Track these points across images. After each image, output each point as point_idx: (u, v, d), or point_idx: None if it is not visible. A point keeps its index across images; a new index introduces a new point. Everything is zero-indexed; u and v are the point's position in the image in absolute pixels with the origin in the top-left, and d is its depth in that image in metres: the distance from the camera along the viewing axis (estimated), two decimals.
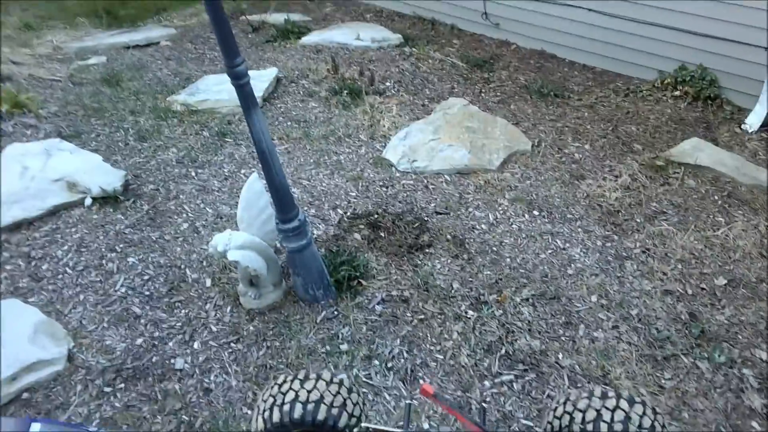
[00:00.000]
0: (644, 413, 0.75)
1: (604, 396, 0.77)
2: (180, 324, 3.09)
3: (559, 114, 5.04)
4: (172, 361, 2.90)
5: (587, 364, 2.83)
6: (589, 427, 0.74)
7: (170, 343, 2.99)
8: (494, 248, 3.56)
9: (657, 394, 2.67)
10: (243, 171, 4.25)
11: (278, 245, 3.31)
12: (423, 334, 2.97)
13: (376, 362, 2.83)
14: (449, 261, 3.43)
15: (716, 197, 4.01)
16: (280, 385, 0.85)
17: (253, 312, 3.12)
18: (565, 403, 0.81)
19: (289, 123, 4.89)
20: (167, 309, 3.17)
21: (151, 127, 4.76)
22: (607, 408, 0.76)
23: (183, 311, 3.16)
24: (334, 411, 0.80)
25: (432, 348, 2.91)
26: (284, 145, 4.55)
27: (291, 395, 0.82)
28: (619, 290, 3.27)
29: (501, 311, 3.10)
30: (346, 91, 5.18)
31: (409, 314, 3.08)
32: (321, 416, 0.79)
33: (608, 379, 2.75)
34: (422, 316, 3.07)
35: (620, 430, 0.73)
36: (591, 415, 0.76)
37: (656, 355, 2.88)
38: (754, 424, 2.56)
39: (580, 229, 3.73)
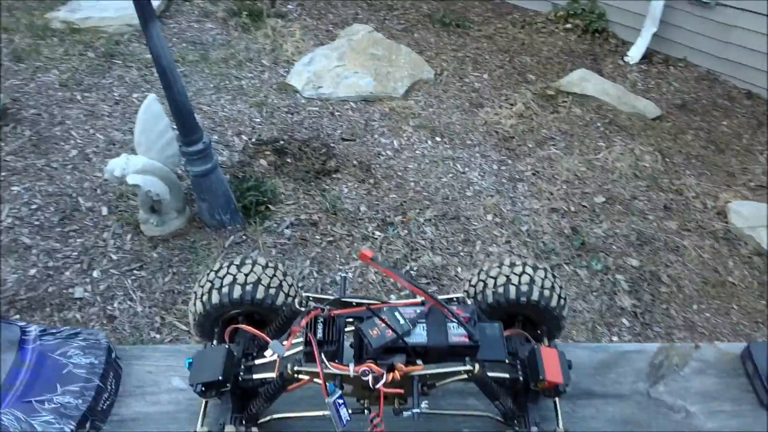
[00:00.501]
0: (546, 276, 0.87)
1: (512, 264, 0.88)
2: (76, 253, 2.95)
3: (460, 44, 5.14)
4: (71, 290, 2.79)
5: None
6: (500, 290, 0.85)
7: (67, 273, 2.86)
8: (399, 173, 3.67)
9: None
10: (136, 95, 4.00)
11: (180, 171, 3.20)
12: (332, 255, 3.06)
13: None
14: (356, 186, 3.50)
15: (599, 124, 4.33)
16: (217, 271, 0.89)
17: (156, 239, 3.04)
18: (479, 273, 0.91)
19: (184, 45, 4.62)
20: (61, 239, 3.01)
21: (28, 46, 4.31)
22: (515, 273, 0.87)
23: (78, 240, 3.02)
24: (272, 291, 0.85)
25: (341, 267, 3.01)
26: (180, 69, 4.31)
27: (229, 278, 0.86)
28: (512, 209, 3.52)
29: (406, 231, 3.24)
30: (245, 13, 4.94)
31: (318, 237, 3.14)
32: (260, 296, 0.84)
33: None
34: (331, 238, 3.14)
35: (525, 290, 0.83)
36: (501, 280, 0.86)
37: None
38: (624, 320, 2.93)
39: (478, 154, 3.92)
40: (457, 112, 4.27)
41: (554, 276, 0.88)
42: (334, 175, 3.54)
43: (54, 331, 0.89)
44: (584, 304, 2.99)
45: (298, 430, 0.82)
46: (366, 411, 0.75)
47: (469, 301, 0.79)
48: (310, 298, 0.78)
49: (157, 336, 2.64)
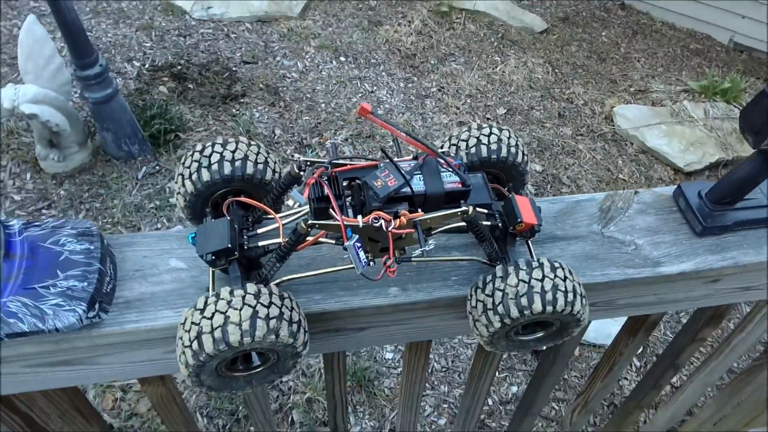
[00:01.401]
0: (510, 135, 0.97)
1: (480, 127, 0.97)
2: None
3: None
4: None
5: None
6: (473, 150, 0.93)
7: None
8: (308, 95, 3.64)
9: None
10: (12, 20, 3.59)
11: (75, 100, 2.98)
12: None
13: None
14: (267, 109, 3.44)
15: (492, 39, 4.50)
16: (201, 151, 0.90)
17: (59, 176, 2.84)
18: (450, 139, 1.00)
19: None
20: None
21: None
22: (484, 135, 0.96)
23: None
24: (260, 166, 0.88)
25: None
26: None
27: (216, 156, 0.87)
28: (423, 125, 3.63)
29: (324, 152, 3.26)
30: None
31: None
32: (249, 171, 0.87)
33: None
34: None
35: (495, 148, 0.93)
36: (473, 142, 0.95)
37: None
38: None
39: (384, 73, 3.96)
40: (357, 31, 4.25)
41: (516, 136, 0.98)
42: (241, 100, 3.45)
43: (37, 223, 0.87)
44: None
45: (302, 294, 0.88)
46: (371, 263, 0.82)
47: (453, 154, 0.87)
48: (308, 162, 0.82)
49: None
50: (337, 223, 0.76)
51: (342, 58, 3.99)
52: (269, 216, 0.92)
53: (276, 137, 3.27)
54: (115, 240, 0.92)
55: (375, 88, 3.82)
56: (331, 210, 0.78)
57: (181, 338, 0.75)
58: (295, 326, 0.77)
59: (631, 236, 1.01)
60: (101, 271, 0.84)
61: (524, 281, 0.82)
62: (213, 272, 0.86)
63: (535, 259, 0.86)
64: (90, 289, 0.81)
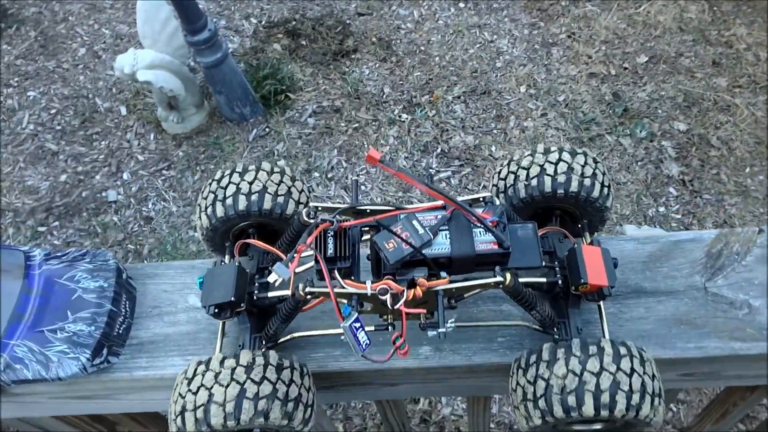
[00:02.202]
0: (586, 163, 0.76)
1: (546, 151, 0.76)
2: (103, 156, 2.93)
3: None
4: (104, 194, 2.80)
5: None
6: (534, 182, 0.74)
7: (97, 177, 2.86)
8: (422, 47, 3.44)
9: None
10: None
11: (192, 63, 3.06)
12: (359, 143, 2.95)
13: (316, 174, 2.83)
14: (377, 65, 3.31)
15: None
16: (219, 181, 0.80)
17: (179, 137, 2.97)
18: (509, 164, 0.80)
19: None
20: (85, 142, 2.98)
21: None
22: (550, 162, 0.76)
23: (103, 143, 2.98)
24: (280, 199, 0.77)
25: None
26: None
27: (232, 188, 0.77)
28: (547, 78, 3.29)
29: (434, 111, 3.08)
30: None
31: (343, 124, 3.02)
32: (267, 205, 0.76)
33: None
34: (356, 125, 3.02)
35: (563, 181, 0.73)
36: (535, 170, 0.75)
37: (582, 138, 3.00)
38: (671, 190, 2.80)
39: (506, 19, 3.61)
40: None
41: (596, 161, 0.77)
42: (353, 56, 3.33)
43: (59, 254, 0.84)
44: (628, 175, 2.85)
45: (320, 348, 0.78)
46: (390, 327, 0.69)
47: (497, 200, 0.69)
48: (319, 209, 0.70)
49: (195, 234, 2.66)
50: (343, 292, 0.65)
51: (461, 4, 3.69)
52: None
53: (384, 96, 3.14)
54: (138, 271, 0.87)
55: (495, 36, 3.50)
56: (338, 274, 0.66)
57: (173, 403, 0.69)
58: (291, 405, 0.67)
59: (744, 294, 0.77)
60: (112, 313, 0.80)
61: (575, 373, 0.65)
62: (223, 322, 0.79)
63: (597, 340, 0.67)
64: (96, 335, 0.78)
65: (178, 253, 2.57)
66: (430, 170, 0.73)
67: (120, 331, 0.81)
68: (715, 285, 0.79)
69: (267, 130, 2.98)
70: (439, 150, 2.93)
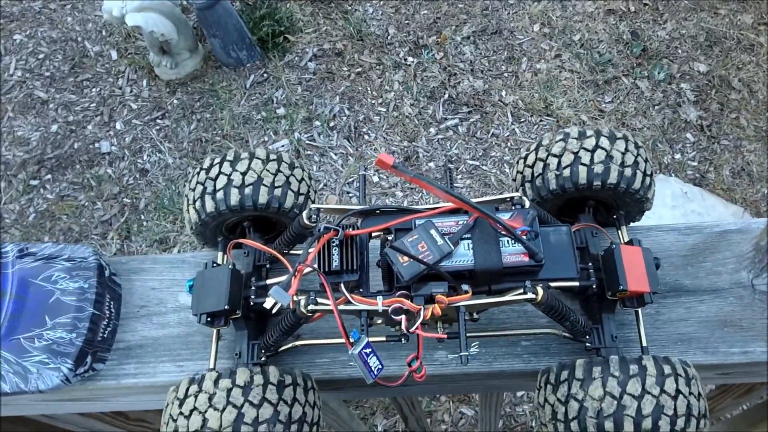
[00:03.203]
0: (626, 149, 0.66)
1: (581, 136, 0.66)
2: (94, 105, 2.80)
3: None
4: (97, 145, 2.70)
5: (530, 98, 2.79)
6: (566, 172, 0.64)
7: (89, 127, 2.74)
8: None
9: (597, 118, 2.71)
10: None
11: (184, 3, 2.87)
12: (362, 88, 2.81)
13: (317, 123, 2.70)
14: (382, 3, 3.11)
15: None
16: (207, 170, 0.71)
17: (173, 83, 2.83)
18: (537, 150, 0.70)
19: None
20: (75, 89, 2.84)
21: None
22: (585, 149, 0.66)
23: (94, 90, 2.85)
24: (277, 192, 0.68)
25: (373, 102, 2.77)
26: None
27: (223, 180, 0.68)
28: (562, 15, 3.09)
29: (442, 54, 2.92)
30: None
31: (345, 68, 2.87)
32: (263, 199, 0.67)
33: (550, 110, 2.74)
34: (359, 69, 2.87)
35: (600, 171, 0.63)
36: (568, 159, 0.65)
37: (598, 80, 2.85)
38: (689, 135, 2.68)
39: None
40: None
41: (638, 147, 0.67)
42: None
43: (34, 250, 0.76)
44: (644, 120, 2.72)
45: (325, 352, 0.70)
46: (403, 339, 0.62)
47: (526, 201, 0.60)
48: (321, 210, 0.61)
49: None
50: (351, 309, 0.57)
51: None
52: (292, 253, 0.74)
53: (389, 37, 2.96)
54: (123, 265, 0.79)
55: None
56: (344, 290, 0.58)
57: (164, 425, 0.63)
58: (294, 427, 0.61)
59: None
60: (95, 317, 0.72)
61: (613, 396, 0.57)
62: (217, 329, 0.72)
63: (638, 358, 0.60)
64: (78, 342, 0.70)
65: (176, 207, 2.49)
66: (450, 167, 0.66)
67: (105, 335, 0.74)
68: (764, 282, 0.71)
69: (265, 75, 2.83)
70: (446, 96, 2.79)
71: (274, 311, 0.54)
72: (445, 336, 0.56)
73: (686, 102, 2.76)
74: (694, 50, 2.95)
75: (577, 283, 0.64)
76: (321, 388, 0.69)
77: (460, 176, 2.57)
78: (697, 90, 2.81)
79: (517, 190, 0.70)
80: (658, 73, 2.83)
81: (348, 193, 2.54)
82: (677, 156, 2.64)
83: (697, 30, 3.02)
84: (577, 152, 0.67)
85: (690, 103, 2.75)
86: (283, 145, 2.64)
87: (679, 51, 2.94)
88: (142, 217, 2.49)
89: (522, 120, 2.71)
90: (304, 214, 0.61)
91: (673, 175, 2.62)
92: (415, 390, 0.79)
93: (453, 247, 0.55)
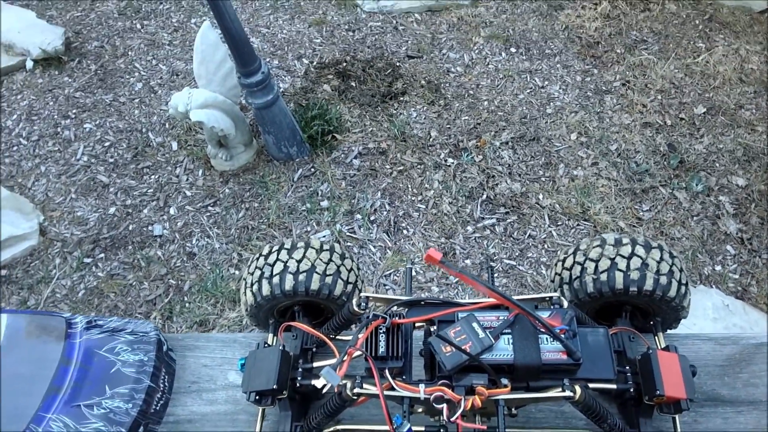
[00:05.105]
0: (662, 258, 0.69)
1: (618, 243, 0.71)
2: (152, 190, 2.98)
3: None
4: (150, 228, 2.84)
5: (567, 203, 2.85)
6: (603, 277, 0.68)
7: (145, 210, 2.90)
8: (471, 91, 3.41)
9: (635, 226, 2.74)
10: (194, 20, 3.88)
11: (244, 102, 3.10)
12: (404, 186, 2.93)
13: (359, 216, 2.81)
14: (425, 108, 3.29)
15: (697, 21, 3.82)
16: (266, 256, 0.77)
17: (226, 174, 3.01)
18: (575, 254, 0.74)
19: None
20: (136, 176, 3.04)
21: None
22: (621, 256, 0.70)
23: (153, 177, 3.04)
24: (328, 279, 0.73)
25: (413, 198, 2.88)
26: None
27: (279, 266, 0.74)
28: (599, 126, 3.21)
29: (481, 157, 3.04)
30: None
31: (387, 166, 3.00)
32: (314, 286, 0.72)
33: (587, 216, 2.79)
34: (401, 167, 3.00)
35: (636, 278, 0.67)
36: (605, 264, 0.69)
37: (635, 189, 2.90)
38: (729, 248, 2.66)
39: (558, 65, 3.57)
40: (534, 17, 3.87)
41: (672, 256, 0.71)
42: (401, 98, 3.33)
43: (100, 322, 0.82)
44: (683, 230, 2.73)
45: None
46: (442, 430, 0.64)
47: (565, 302, 0.63)
48: (370, 299, 0.66)
49: (236, 272, 2.66)
50: (394, 395, 0.60)
51: (512, 49, 3.67)
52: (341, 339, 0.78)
53: (431, 139, 3.12)
54: (179, 342, 0.85)
55: (546, 82, 3.46)
56: (388, 376, 0.61)
57: None
58: None
59: None
60: (150, 389, 0.77)
61: None
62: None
63: None
64: (134, 413, 0.74)
65: (218, 290, 2.56)
66: (492, 264, 0.69)
67: (157, 408, 0.78)
68: None
69: (312, 170, 2.98)
70: (484, 196, 2.88)
71: (323, 392, 0.58)
72: (485, 428, 0.58)
73: (725, 214, 2.77)
74: (731, 164, 3.00)
75: (614, 386, 0.66)
76: None
77: (496, 275, 2.60)
78: (736, 203, 2.83)
79: (555, 291, 0.74)
80: (696, 185, 2.87)
81: (384, 285, 2.58)
82: (717, 268, 2.62)
83: (735, 145, 3.09)
84: (614, 258, 0.71)
85: (729, 216, 2.76)
86: (324, 236, 2.73)
87: (717, 164, 2.99)
88: (185, 298, 2.57)
89: (559, 223, 2.76)
90: (354, 301, 0.66)
91: (714, 287, 2.58)
92: None
93: (494, 341, 0.58)
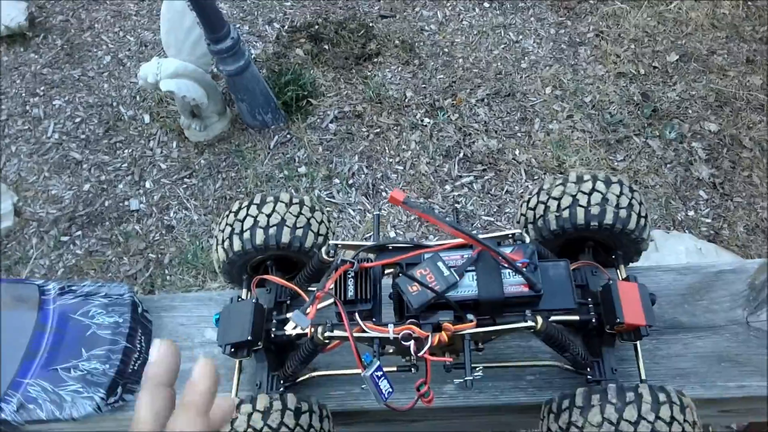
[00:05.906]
0: (621, 192, 0.71)
1: (579, 180, 0.72)
2: (126, 165, 2.95)
3: None
4: (126, 203, 2.82)
5: (543, 157, 2.87)
6: (565, 213, 0.70)
7: (120, 185, 2.87)
8: (445, 50, 3.38)
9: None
10: None
11: (215, 70, 3.05)
12: (381, 148, 2.92)
13: (337, 181, 2.80)
14: (400, 69, 3.26)
15: None
16: (236, 213, 0.78)
17: (201, 144, 2.98)
18: (538, 193, 0.76)
19: None
20: (109, 151, 3.00)
21: None
22: (582, 192, 0.71)
23: (126, 151, 3.00)
24: (299, 232, 0.74)
25: (391, 160, 2.88)
26: None
27: (249, 221, 0.75)
28: (573, 78, 3.21)
29: (457, 115, 3.03)
30: None
31: (364, 129, 2.99)
32: (285, 239, 0.73)
33: (563, 168, 2.81)
34: (378, 130, 2.99)
35: (597, 212, 0.68)
36: (567, 201, 0.71)
37: (609, 140, 2.92)
38: (701, 193, 2.71)
39: (532, 18, 3.54)
40: None
41: (632, 190, 0.73)
42: (375, 59, 3.30)
43: (74, 287, 0.82)
44: (657, 178, 2.77)
45: (340, 385, 0.74)
46: (413, 369, 0.66)
47: (527, 237, 0.65)
48: (339, 246, 0.67)
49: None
50: (365, 336, 0.61)
51: (486, 4, 3.63)
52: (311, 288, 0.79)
53: (407, 100, 3.10)
54: (155, 303, 0.85)
55: (520, 36, 3.43)
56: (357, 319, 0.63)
57: None
58: None
59: None
60: (127, 349, 0.78)
61: (611, 422, 0.61)
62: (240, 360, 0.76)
63: (635, 386, 0.63)
64: (111, 373, 0.76)
65: (199, 262, 2.56)
66: (457, 205, 0.70)
67: (135, 368, 0.79)
68: (759, 319, 0.74)
69: (288, 136, 2.96)
70: (461, 154, 2.88)
71: (294, 333, 0.59)
72: (452, 359, 0.60)
73: (698, 160, 2.81)
74: (704, 110, 3.02)
75: (576, 317, 0.69)
76: (334, 422, 0.72)
77: (474, 231, 2.62)
78: (708, 149, 2.87)
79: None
80: (669, 132, 2.90)
81: None
82: (691, 213, 2.67)
83: (707, 91, 3.11)
84: (575, 195, 0.72)
85: (702, 162, 2.81)
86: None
87: (690, 111, 3.02)
88: (166, 271, 2.57)
89: (536, 178, 2.78)
90: (323, 249, 0.67)
91: (687, 231, 2.64)
92: (422, 426, 0.82)
93: (458, 278, 0.60)
